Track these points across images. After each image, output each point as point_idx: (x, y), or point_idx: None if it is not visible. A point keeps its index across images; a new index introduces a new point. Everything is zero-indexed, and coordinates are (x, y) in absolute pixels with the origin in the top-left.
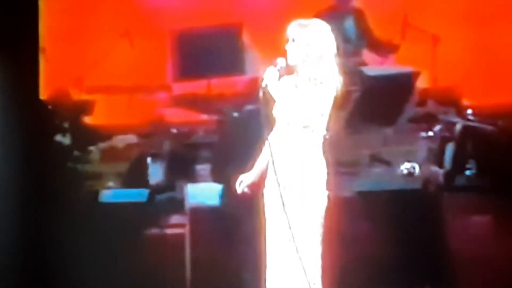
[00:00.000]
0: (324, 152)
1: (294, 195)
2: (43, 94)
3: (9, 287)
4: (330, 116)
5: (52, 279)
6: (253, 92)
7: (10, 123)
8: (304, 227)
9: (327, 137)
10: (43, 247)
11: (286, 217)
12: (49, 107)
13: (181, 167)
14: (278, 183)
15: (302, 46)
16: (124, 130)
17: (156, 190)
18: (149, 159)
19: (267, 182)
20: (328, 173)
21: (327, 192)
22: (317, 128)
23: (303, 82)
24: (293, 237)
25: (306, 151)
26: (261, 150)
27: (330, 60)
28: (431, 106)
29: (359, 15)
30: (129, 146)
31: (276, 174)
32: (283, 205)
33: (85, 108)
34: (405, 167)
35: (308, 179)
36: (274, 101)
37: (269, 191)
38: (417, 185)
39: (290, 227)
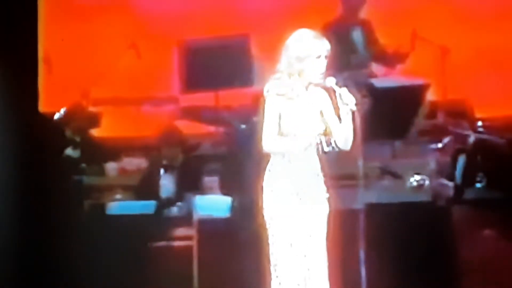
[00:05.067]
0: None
1: (303, 204)
2: (46, 106)
3: None
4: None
5: None
6: (260, 104)
7: (13, 136)
8: (311, 239)
9: (336, 149)
10: (49, 259)
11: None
12: (59, 119)
13: (190, 179)
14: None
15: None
16: (131, 142)
17: (166, 203)
18: (161, 171)
19: (271, 196)
20: (336, 185)
21: (327, 201)
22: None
23: (312, 91)
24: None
25: (313, 160)
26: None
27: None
28: (441, 118)
29: (367, 27)
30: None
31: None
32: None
33: (92, 120)
34: (415, 179)
35: (316, 188)
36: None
37: (276, 203)
38: (427, 197)
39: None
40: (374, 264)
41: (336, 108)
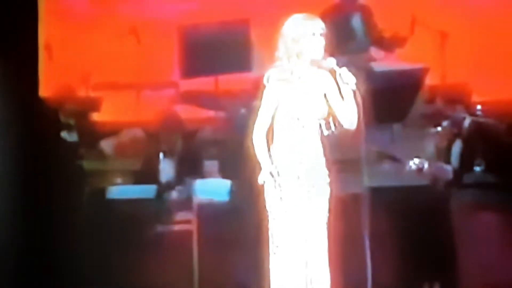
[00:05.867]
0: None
1: (304, 189)
2: (47, 92)
3: (15, 284)
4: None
5: (59, 275)
6: (260, 89)
7: (13, 121)
8: (312, 222)
9: (335, 133)
10: (49, 245)
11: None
12: (54, 104)
13: (189, 164)
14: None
15: (324, 40)
16: (131, 127)
17: (166, 187)
18: (161, 155)
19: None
20: (336, 170)
21: (328, 185)
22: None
23: (314, 74)
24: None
25: (315, 144)
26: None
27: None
28: (439, 103)
29: (366, 12)
30: (136, 142)
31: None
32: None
33: (92, 105)
34: (414, 163)
35: (317, 171)
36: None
37: (277, 187)
38: (426, 181)
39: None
40: (375, 247)
41: (338, 89)
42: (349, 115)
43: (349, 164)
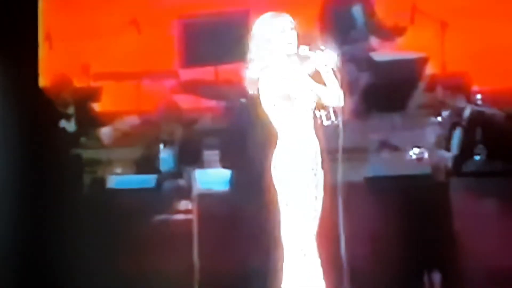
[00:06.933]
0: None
1: (315, 177)
2: (47, 82)
3: (14, 275)
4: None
5: (58, 266)
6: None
7: (13, 111)
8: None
9: (336, 123)
10: (48, 235)
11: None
12: (52, 94)
13: (189, 153)
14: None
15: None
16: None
17: (166, 177)
18: (161, 145)
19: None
20: (337, 159)
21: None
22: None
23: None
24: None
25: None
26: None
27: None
28: (440, 92)
29: (366, 2)
30: (135, 132)
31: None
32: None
33: (92, 95)
34: (414, 152)
35: (318, 158)
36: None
37: (292, 176)
38: (426, 170)
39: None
40: (375, 236)
41: (317, 73)
42: (335, 93)
43: (349, 153)
